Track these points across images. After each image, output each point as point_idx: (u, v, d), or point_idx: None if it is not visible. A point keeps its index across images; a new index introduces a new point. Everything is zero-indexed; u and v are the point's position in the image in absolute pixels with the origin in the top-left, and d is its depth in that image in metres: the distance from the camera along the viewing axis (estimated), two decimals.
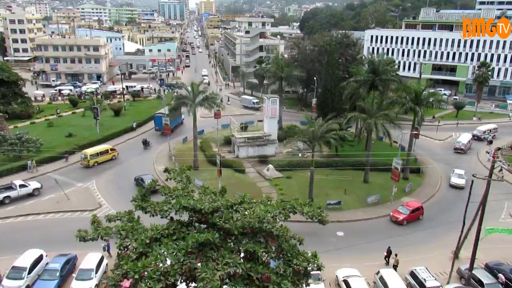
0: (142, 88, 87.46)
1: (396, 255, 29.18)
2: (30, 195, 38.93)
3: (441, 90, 72.88)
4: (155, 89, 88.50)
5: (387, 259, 29.80)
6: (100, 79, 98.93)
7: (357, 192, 41.15)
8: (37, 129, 57.94)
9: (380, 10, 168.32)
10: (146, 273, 13.81)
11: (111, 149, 49.65)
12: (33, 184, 39.71)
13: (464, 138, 55.68)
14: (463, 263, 28.67)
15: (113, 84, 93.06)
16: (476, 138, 58.44)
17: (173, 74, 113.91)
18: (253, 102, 78.24)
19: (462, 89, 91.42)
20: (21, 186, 38.56)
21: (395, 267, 28.58)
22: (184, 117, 62.81)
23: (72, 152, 49.01)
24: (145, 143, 53.77)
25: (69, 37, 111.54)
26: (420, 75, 76.29)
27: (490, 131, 60.43)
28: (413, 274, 27.03)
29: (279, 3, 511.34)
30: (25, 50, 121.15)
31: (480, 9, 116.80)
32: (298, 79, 69.61)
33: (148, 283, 13.42)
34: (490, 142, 56.29)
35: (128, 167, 47.11)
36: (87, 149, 47.92)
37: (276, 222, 16.38)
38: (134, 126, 61.26)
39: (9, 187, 38.42)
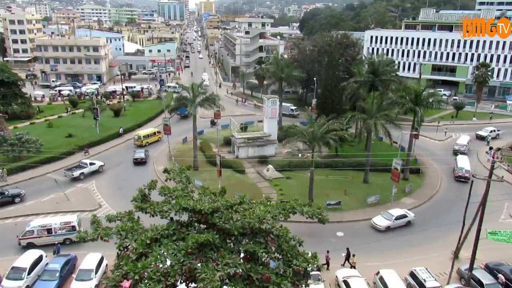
0: (142, 89, 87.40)
1: (353, 255, 29.03)
2: (96, 172, 44.86)
3: (440, 91, 72.82)
4: (151, 91, 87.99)
5: (347, 261, 29.42)
6: (100, 79, 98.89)
7: (357, 193, 41.13)
8: (37, 129, 57.89)
9: (379, 10, 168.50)
10: (146, 273, 13.82)
11: (157, 132, 56.49)
12: (98, 163, 45.69)
13: (466, 162, 46.73)
14: (463, 264, 28.67)
15: (123, 83, 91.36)
16: (460, 153, 51.33)
17: (174, 74, 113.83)
18: (291, 109, 71.48)
19: (462, 89, 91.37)
20: (91, 164, 44.90)
21: (353, 267, 28.61)
22: None
23: (72, 153, 49.06)
24: (213, 122, 56.92)
25: (69, 38, 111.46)
26: (420, 76, 76.36)
27: (468, 143, 55.02)
28: (413, 275, 26.99)
29: (279, 3, 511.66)
30: (25, 51, 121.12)
31: (479, 9, 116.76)
32: (298, 79, 69.59)
33: (148, 284, 13.42)
34: (490, 148, 55.95)
35: (129, 168, 47.14)
36: (140, 131, 56.13)
37: (276, 223, 16.37)
38: (121, 132, 57.20)
39: (80, 166, 44.17)
